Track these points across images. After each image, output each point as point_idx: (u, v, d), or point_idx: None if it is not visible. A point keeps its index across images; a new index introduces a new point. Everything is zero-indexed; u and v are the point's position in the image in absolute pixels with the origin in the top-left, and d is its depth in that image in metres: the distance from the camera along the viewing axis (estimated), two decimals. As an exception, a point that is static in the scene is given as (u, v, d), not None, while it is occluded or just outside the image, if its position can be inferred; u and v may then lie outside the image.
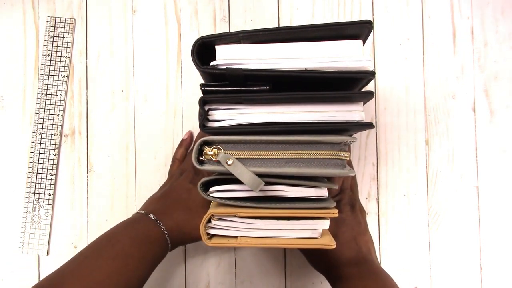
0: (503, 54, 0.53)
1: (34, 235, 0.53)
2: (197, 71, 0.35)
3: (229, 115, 0.35)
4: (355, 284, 0.41)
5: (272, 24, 0.55)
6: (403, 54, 0.54)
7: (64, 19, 0.55)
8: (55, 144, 0.54)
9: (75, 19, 0.55)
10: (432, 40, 0.54)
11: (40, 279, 0.53)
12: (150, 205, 0.47)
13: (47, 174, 0.54)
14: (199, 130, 0.50)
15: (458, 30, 0.54)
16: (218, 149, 0.34)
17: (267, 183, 0.34)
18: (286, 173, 0.34)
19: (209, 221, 0.36)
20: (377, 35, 0.54)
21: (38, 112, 0.54)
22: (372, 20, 0.54)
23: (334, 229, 0.43)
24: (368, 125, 0.35)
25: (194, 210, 0.45)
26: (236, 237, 0.36)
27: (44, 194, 0.53)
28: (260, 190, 0.34)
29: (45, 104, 0.54)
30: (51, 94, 0.54)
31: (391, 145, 0.54)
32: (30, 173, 0.54)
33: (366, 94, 0.34)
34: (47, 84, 0.54)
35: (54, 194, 0.54)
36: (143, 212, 0.44)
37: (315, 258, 0.46)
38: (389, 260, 0.53)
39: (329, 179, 0.43)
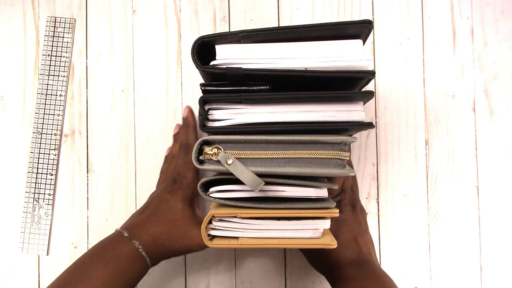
0: (503, 54, 0.53)
1: (34, 235, 0.53)
2: (197, 71, 0.35)
3: (229, 115, 0.35)
4: (354, 285, 0.41)
5: (272, 24, 0.55)
6: (403, 54, 0.54)
7: (64, 19, 0.55)
8: (55, 144, 0.54)
9: (75, 19, 0.55)
10: (432, 40, 0.54)
11: (40, 279, 0.53)
12: (129, 220, 0.46)
13: (47, 174, 0.54)
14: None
15: (458, 30, 0.54)
16: (218, 148, 0.34)
17: (267, 183, 0.34)
18: (286, 173, 0.34)
19: (210, 222, 0.36)
20: (377, 35, 0.54)
21: (38, 112, 0.54)
22: (372, 20, 0.54)
23: (335, 229, 0.43)
24: (368, 125, 0.35)
25: (172, 223, 0.43)
26: (237, 238, 0.36)
27: (44, 194, 0.53)
28: (260, 190, 0.34)
29: (45, 104, 0.54)
30: (51, 94, 0.54)
31: (391, 145, 0.54)
32: (30, 173, 0.53)
33: (366, 94, 0.34)
34: (47, 84, 0.54)
35: (54, 194, 0.54)
36: (119, 229, 0.43)
37: (315, 258, 0.46)
38: (389, 260, 0.53)
39: (329, 179, 0.43)
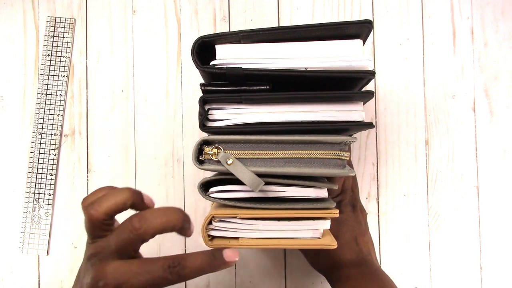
0: (503, 54, 0.53)
1: (34, 235, 0.53)
2: (197, 70, 0.35)
3: (229, 115, 0.35)
4: (354, 285, 0.41)
5: (272, 24, 0.55)
6: (403, 54, 0.54)
7: (64, 19, 0.55)
8: (55, 144, 0.54)
9: (75, 19, 0.55)
10: (432, 40, 0.54)
11: (40, 279, 0.53)
12: None
13: (47, 174, 0.54)
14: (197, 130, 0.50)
15: (458, 30, 0.54)
16: (218, 148, 0.34)
17: (267, 183, 0.34)
18: (286, 173, 0.34)
19: (210, 222, 0.36)
20: (377, 35, 0.54)
21: (38, 112, 0.54)
22: (372, 20, 0.54)
23: (335, 230, 0.43)
24: (368, 125, 0.35)
25: None
26: (237, 238, 0.36)
27: (44, 194, 0.53)
28: (260, 191, 0.34)
29: (45, 104, 0.54)
30: (51, 94, 0.54)
31: (391, 145, 0.54)
32: (30, 173, 0.53)
33: (366, 94, 0.34)
34: (47, 84, 0.54)
35: (54, 194, 0.54)
36: None
37: (315, 258, 0.46)
38: (389, 260, 0.53)
39: (329, 179, 0.43)
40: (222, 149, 0.34)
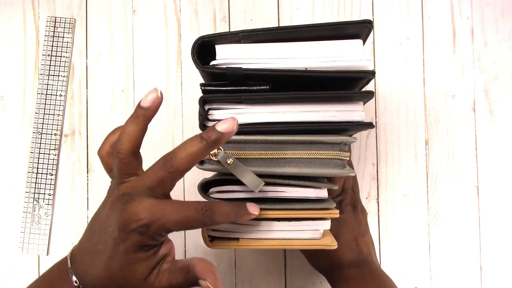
0: (503, 54, 0.53)
1: (34, 235, 0.53)
2: (197, 71, 0.35)
3: (229, 115, 0.35)
4: (355, 285, 0.41)
5: (272, 24, 0.55)
6: (403, 54, 0.54)
7: (64, 19, 0.55)
8: (55, 144, 0.54)
9: (75, 19, 0.55)
10: (432, 40, 0.54)
11: (40, 279, 0.53)
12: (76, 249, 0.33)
13: (47, 174, 0.54)
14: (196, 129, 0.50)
15: (458, 30, 0.54)
16: (218, 148, 0.34)
17: (267, 184, 0.34)
18: (286, 173, 0.34)
19: None
20: (377, 35, 0.54)
21: (38, 112, 0.54)
22: (372, 20, 0.54)
23: (335, 230, 0.43)
24: (368, 125, 0.35)
25: (108, 257, 0.30)
26: (237, 239, 0.36)
27: (44, 194, 0.53)
28: (260, 191, 0.34)
29: (45, 104, 0.54)
30: (51, 94, 0.54)
31: (391, 145, 0.54)
32: (30, 173, 0.53)
33: (366, 94, 0.34)
34: (47, 84, 0.54)
35: (54, 194, 0.54)
36: (68, 255, 0.32)
37: (315, 258, 0.46)
38: (389, 260, 0.53)
39: (329, 180, 0.43)
40: (222, 149, 0.34)
